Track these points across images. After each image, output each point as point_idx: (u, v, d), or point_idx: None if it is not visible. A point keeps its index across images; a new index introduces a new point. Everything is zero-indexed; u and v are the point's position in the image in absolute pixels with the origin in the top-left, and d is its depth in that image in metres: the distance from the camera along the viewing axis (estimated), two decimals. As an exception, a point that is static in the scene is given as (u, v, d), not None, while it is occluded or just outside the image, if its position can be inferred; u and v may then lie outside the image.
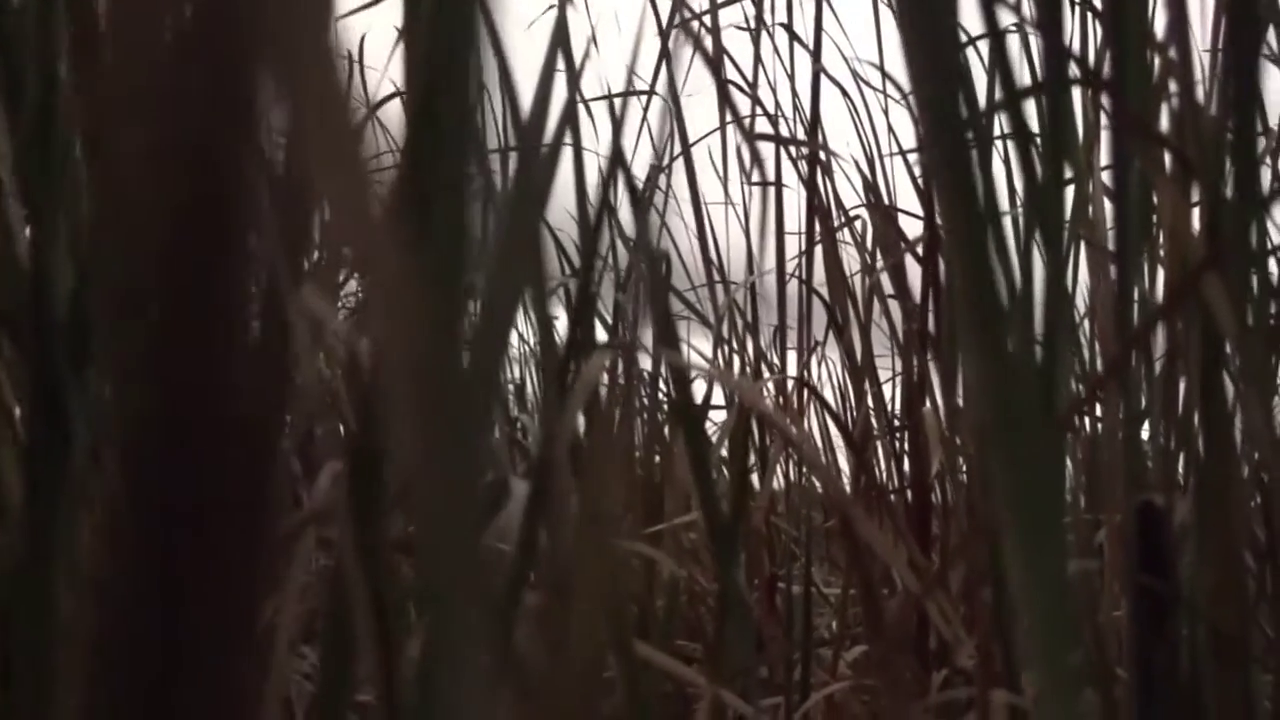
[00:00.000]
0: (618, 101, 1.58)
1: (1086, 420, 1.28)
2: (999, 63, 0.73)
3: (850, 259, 1.59)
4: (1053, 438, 0.31)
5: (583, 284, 0.58)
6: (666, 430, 1.60)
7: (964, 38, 1.02)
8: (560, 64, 0.71)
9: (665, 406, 1.68)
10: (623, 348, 1.21)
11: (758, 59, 1.52)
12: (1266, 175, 1.17)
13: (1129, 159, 0.70)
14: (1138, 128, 0.71)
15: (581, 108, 1.62)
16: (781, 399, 1.46)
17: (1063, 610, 0.30)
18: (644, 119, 1.65)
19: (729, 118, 1.35)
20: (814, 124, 1.46)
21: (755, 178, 1.45)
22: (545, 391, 0.56)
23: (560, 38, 0.75)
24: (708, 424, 1.37)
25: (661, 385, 1.49)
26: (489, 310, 0.46)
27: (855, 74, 1.55)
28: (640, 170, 1.85)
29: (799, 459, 1.32)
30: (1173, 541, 0.79)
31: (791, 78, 1.56)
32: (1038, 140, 0.76)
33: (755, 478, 1.62)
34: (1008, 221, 0.94)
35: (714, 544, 0.78)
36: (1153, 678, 0.76)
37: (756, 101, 1.47)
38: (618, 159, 0.86)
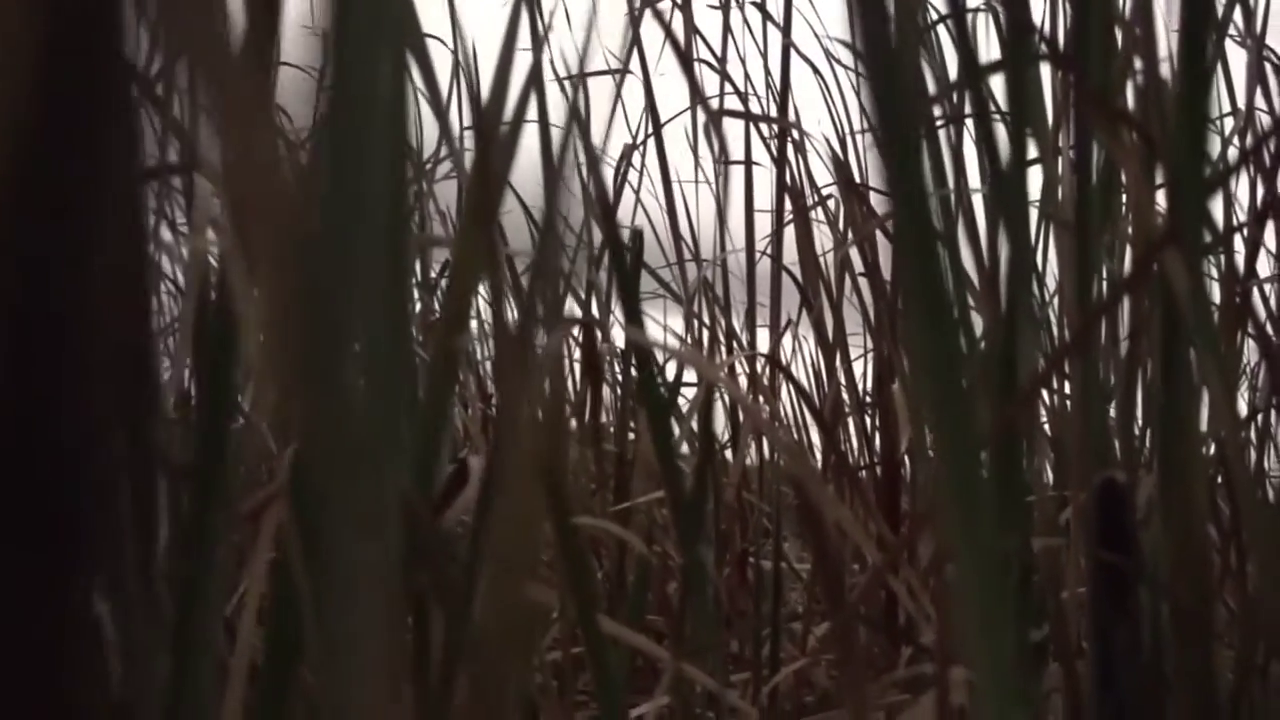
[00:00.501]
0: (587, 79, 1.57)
1: (1055, 396, 1.27)
2: (960, 39, 0.73)
3: (822, 237, 1.58)
4: (988, 418, 0.30)
5: (539, 257, 0.57)
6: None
7: (928, 16, 1.01)
8: (525, 42, 0.70)
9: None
10: (586, 324, 1.21)
11: (727, 33, 1.50)
12: (1232, 155, 1.17)
13: (1089, 135, 0.69)
14: (1099, 104, 0.70)
15: (555, 87, 1.61)
16: (751, 376, 1.45)
17: (999, 591, 0.29)
18: (617, 97, 1.64)
19: (698, 95, 1.34)
20: (784, 101, 1.45)
21: (725, 156, 1.44)
22: (499, 366, 0.55)
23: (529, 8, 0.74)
24: (681, 400, 1.36)
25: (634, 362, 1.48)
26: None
27: (826, 51, 1.54)
28: (614, 149, 1.83)
29: (765, 435, 1.31)
30: (1134, 518, 0.78)
31: (765, 55, 1.55)
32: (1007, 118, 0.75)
33: (730, 454, 1.62)
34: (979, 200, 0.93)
35: (677, 520, 0.78)
36: (1113, 654, 0.76)
37: (725, 78, 1.46)
38: (585, 136, 0.85)
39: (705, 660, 0.88)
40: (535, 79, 0.96)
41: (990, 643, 0.30)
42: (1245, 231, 1.10)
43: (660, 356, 1.34)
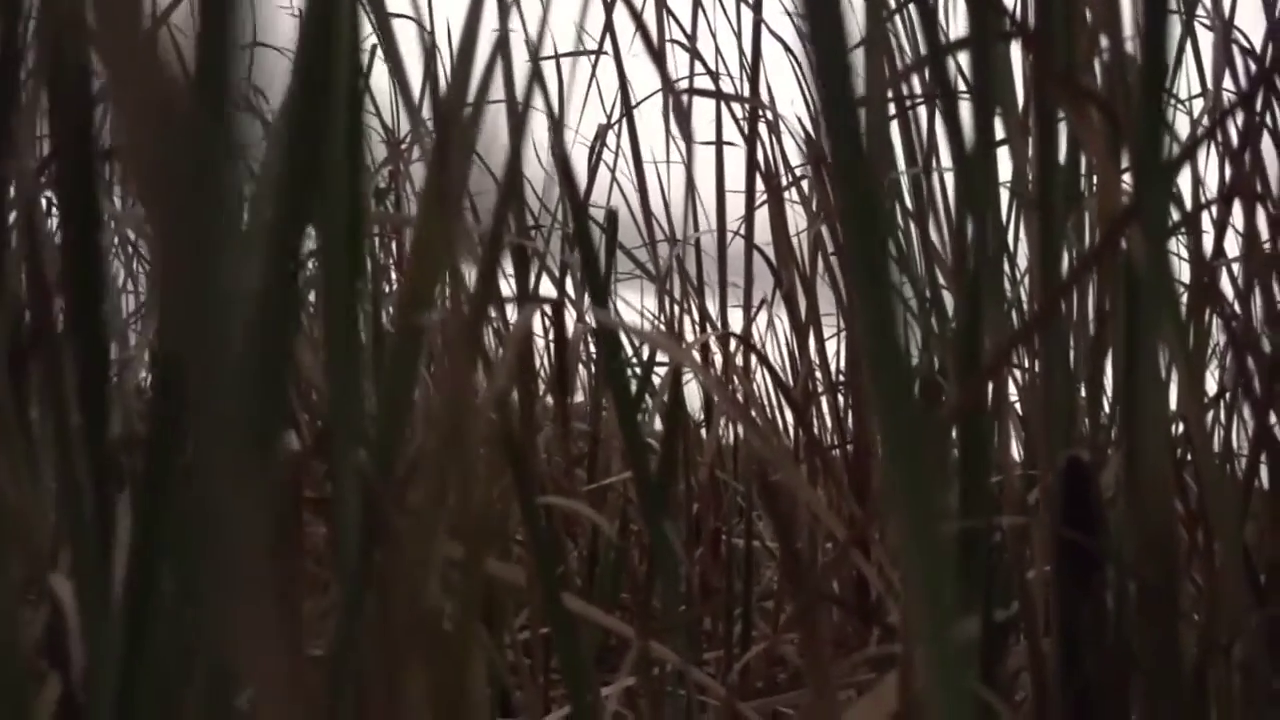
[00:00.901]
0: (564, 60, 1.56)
1: (1026, 375, 1.27)
2: (925, 16, 0.72)
3: (796, 216, 1.57)
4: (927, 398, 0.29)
5: (494, 234, 0.56)
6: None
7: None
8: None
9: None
10: (553, 302, 1.20)
11: (697, 11, 1.49)
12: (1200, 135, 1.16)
13: (1054, 114, 0.68)
14: (1063, 82, 0.69)
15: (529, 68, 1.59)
16: (723, 357, 1.45)
17: (944, 570, 0.28)
18: (592, 77, 1.63)
19: (670, 76, 1.33)
20: (754, 80, 1.44)
21: (698, 135, 1.43)
22: (452, 346, 0.55)
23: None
24: (656, 380, 1.35)
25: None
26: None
27: (799, 29, 1.53)
28: (590, 129, 1.82)
29: (734, 415, 1.30)
30: (1100, 497, 0.78)
31: (738, 35, 1.54)
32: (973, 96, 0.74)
33: (704, 434, 1.61)
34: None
35: (642, 500, 0.77)
36: (1078, 633, 0.75)
37: (696, 57, 1.45)
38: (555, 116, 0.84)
39: (674, 638, 0.88)
40: (503, 57, 0.95)
41: (935, 621, 0.29)
42: (1214, 212, 1.09)
43: (628, 337, 1.33)
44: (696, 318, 1.57)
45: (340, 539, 0.56)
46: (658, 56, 1.06)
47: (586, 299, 1.61)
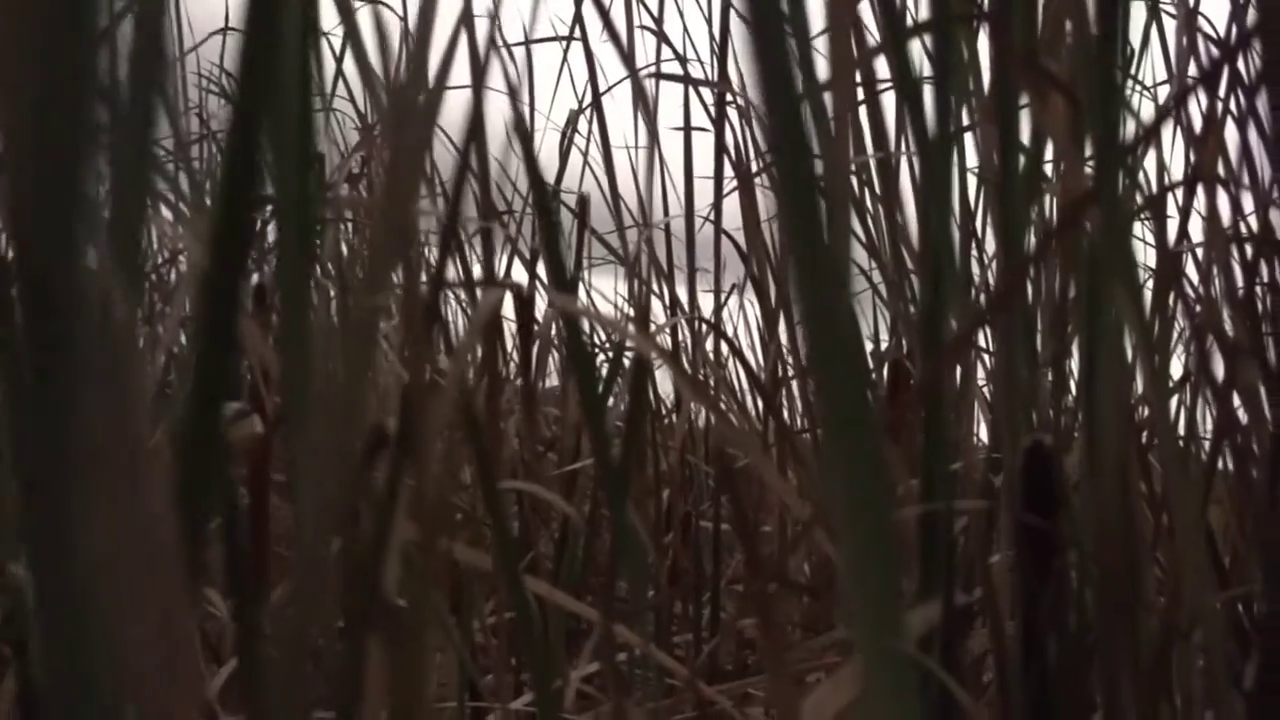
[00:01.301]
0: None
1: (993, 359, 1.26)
2: (883, 2, 0.71)
3: (769, 202, 1.56)
4: (864, 379, 0.28)
5: (450, 216, 0.55)
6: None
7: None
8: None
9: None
10: (518, 287, 1.19)
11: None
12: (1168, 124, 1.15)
13: (1015, 98, 0.67)
14: (1025, 66, 0.68)
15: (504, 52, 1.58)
16: (692, 342, 1.44)
17: (883, 556, 0.28)
18: (563, 62, 1.62)
19: (629, 62, 1.32)
20: (723, 64, 1.43)
21: (669, 121, 1.42)
22: (409, 329, 0.54)
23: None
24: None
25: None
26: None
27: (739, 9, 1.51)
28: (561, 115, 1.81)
29: (699, 400, 1.29)
30: (1061, 481, 0.77)
31: (708, 20, 1.53)
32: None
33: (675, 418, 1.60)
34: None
35: (605, 484, 0.76)
36: (1038, 618, 0.74)
37: (664, 40, 1.44)
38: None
39: (640, 622, 0.87)
40: (468, 41, 0.94)
41: (873, 608, 0.29)
42: (1179, 197, 1.09)
43: (593, 323, 1.32)
44: (667, 303, 1.56)
45: (296, 520, 0.55)
46: (616, 40, 1.05)
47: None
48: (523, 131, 0.75)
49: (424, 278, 0.60)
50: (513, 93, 0.81)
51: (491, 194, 0.91)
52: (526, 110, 1.65)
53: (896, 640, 0.29)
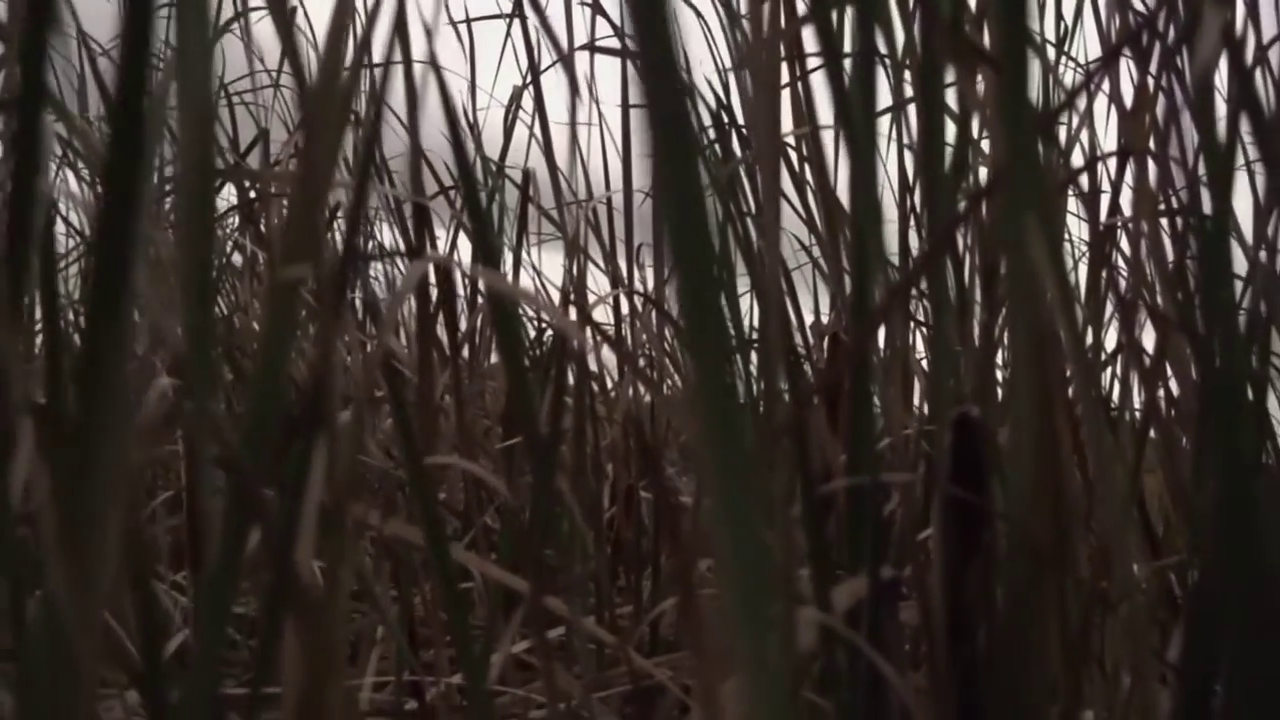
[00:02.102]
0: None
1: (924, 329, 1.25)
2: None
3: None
4: (730, 359, 0.26)
5: (357, 193, 0.53)
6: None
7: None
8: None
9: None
10: (439, 262, 1.16)
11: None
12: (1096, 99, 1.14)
13: (938, 67, 0.65)
14: (949, 36, 0.66)
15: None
16: (630, 316, 1.42)
17: (752, 533, 0.25)
18: (507, 37, 1.59)
19: (578, 38, 1.30)
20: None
21: (575, 94, 1.39)
22: (319, 309, 0.51)
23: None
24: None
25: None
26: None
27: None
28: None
29: (632, 374, 1.27)
30: (989, 454, 0.75)
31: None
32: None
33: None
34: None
35: (531, 458, 0.74)
36: (963, 592, 0.72)
37: (601, 14, 1.41)
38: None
39: (571, 593, 0.85)
40: (399, 17, 0.91)
41: (742, 580, 0.27)
42: (1110, 171, 1.07)
43: (518, 298, 1.29)
44: (608, 278, 1.54)
45: (197, 497, 0.53)
46: (543, 17, 1.03)
47: (509, 259, 1.58)
48: (448, 105, 0.73)
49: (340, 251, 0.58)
50: (436, 65, 0.79)
51: (422, 169, 0.88)
52: (467, 86, 1.63)
53: (771, 643, 0.27)
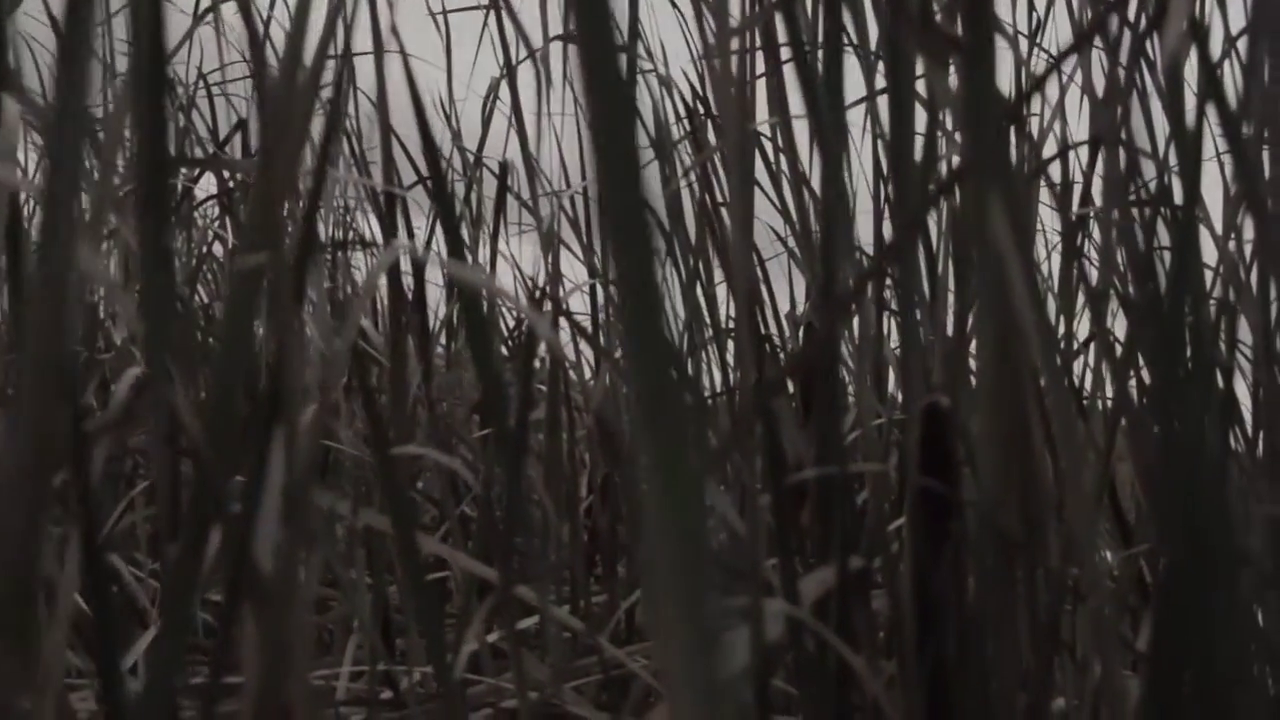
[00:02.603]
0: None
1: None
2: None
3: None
4: (667, 336, 0.25)
5: (315, 181, 0.52)
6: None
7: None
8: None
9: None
10: (407, 251, 1.15)
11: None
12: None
13: (902, 49, 0.64)
14: (917, 23, 0.65)
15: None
16: (609, 305, 1.40)
17: (689, 526, 0.24)
18: (484, 27, 1.58)
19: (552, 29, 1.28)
20: (633, 31, 1.39)
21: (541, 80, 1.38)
22: (278, 297, 0.50)
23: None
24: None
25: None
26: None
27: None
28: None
29: (606, 363, 1.26)
30: (958, 443, 0.74)
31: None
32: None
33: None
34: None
35: (499, 450, 0.73)
36: (932, 581, 0.71)
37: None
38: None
39: (539, 582, 0.84)
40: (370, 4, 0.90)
41: (678, 571, 0.25)
42: (1081, 161, 1.06)
43: (486, 289, 1.28)
44: (586, 268, 1.53)
45: (160, 485, 0.52)
46: (509, 6, 1.02)
47: (486, 249, 1.57)
48: (415, 94, 0.72)
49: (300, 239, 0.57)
50: (404, 53, 0.78)
51: (393, 160, 0.87)
52: (444, 78, 1.61)
53: (710, 657, 0.25)
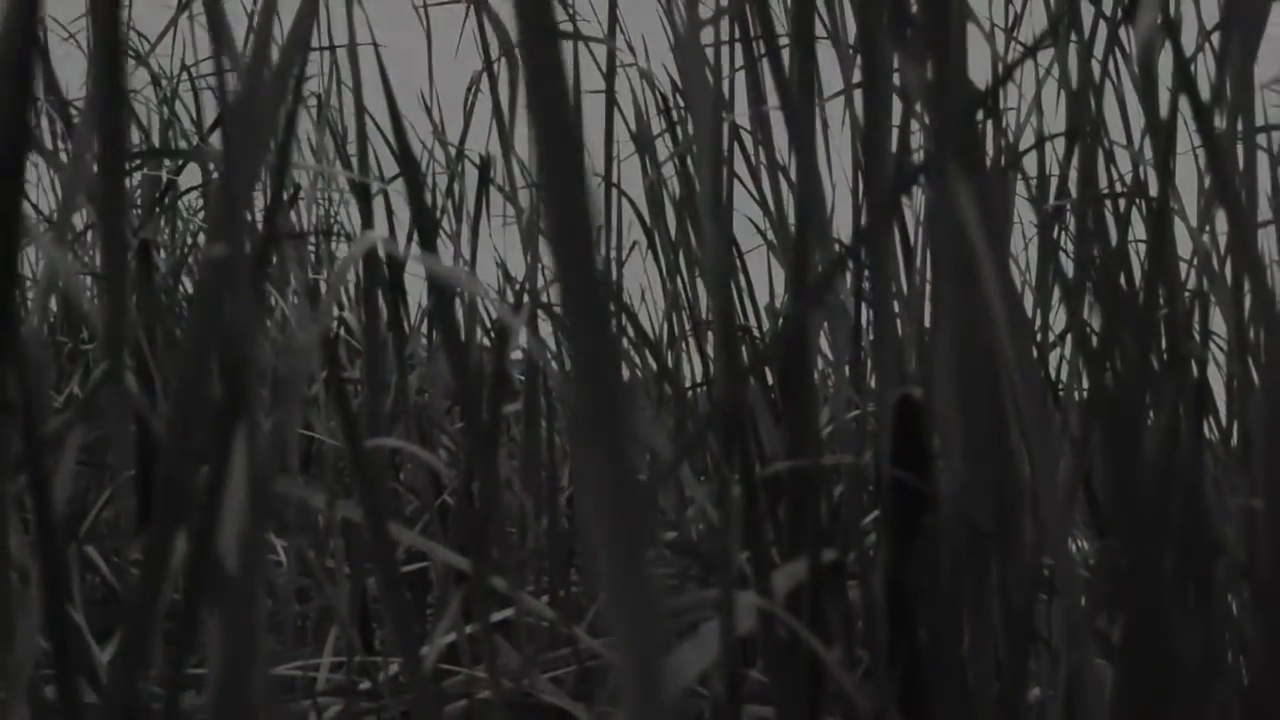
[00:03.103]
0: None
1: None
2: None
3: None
4: (605, 317, 0.24)
5: (277, 170, 0.51)
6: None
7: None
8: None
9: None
10: (380, 242, 1.14)
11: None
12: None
13: (876, 37, 0.63)
14: (889, 15, 0.64)
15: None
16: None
17: (633, 519, 0.23)
18: (465, 19, 1.57)
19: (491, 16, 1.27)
20: (612, 23, 1.38)
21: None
22: (239, 292, 0.49)
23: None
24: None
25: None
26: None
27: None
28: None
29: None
30: (931, 436, 0.73)
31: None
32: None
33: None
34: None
35: (471, 443, 0.72)
36: (903, 574, 0.70)
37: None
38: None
39: (511, 573, 0.83)
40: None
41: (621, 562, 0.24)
42: (1058, 154, 1.05)
43: (457, 285, 1.27)
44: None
45: (119, 480, 0.50)
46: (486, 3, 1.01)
47: (465, 240, 1.56)
48: (386, 86, 0.70)
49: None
50: (375, 45, 0.77)
51: (368, 152, 0.86)
52: (426, 71, 1.60)
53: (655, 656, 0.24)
